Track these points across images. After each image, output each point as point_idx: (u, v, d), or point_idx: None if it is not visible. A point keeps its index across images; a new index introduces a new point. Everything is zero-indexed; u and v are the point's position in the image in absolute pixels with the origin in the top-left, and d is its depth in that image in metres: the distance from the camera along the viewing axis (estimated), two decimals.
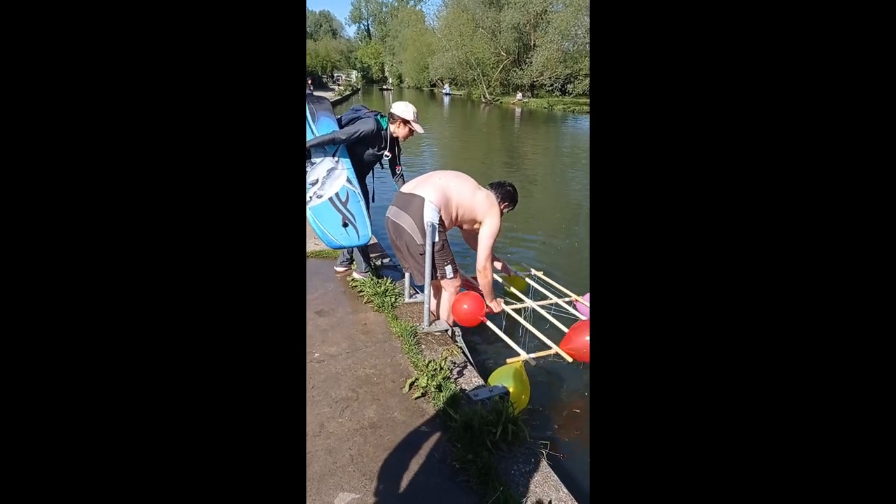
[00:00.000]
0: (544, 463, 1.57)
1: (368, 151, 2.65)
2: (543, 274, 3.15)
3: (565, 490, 1.46)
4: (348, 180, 2.60)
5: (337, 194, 2.54)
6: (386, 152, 2.69)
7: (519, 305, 2.66)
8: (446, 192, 2.26)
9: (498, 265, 2.99)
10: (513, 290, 2.98)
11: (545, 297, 2.82)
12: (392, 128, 2.67)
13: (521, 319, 2.45)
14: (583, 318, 2.53)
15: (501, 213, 2.42)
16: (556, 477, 1.51)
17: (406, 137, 2.71)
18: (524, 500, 1.40)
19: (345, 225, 2.48)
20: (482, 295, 2.42)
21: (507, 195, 2.47)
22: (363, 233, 2.50)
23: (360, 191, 2.61)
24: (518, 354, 2.16)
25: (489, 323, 2.36)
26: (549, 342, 2.22)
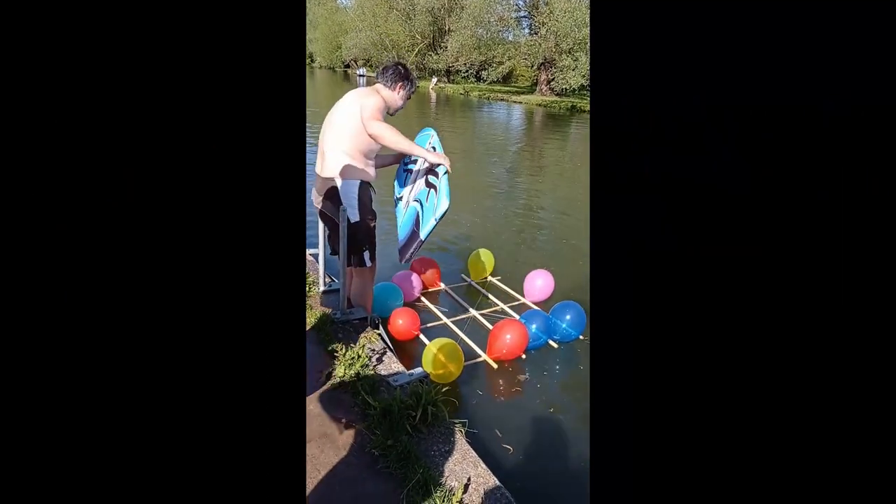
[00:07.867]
0: (463, 441, 1.60)
1: None
2: (499, 280, 3.24)
3: (483, 466, 1.50)
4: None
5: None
6: None
7: (462, 316, 2.76)
8: (335, 154, 2.08)
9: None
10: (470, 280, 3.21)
11: (493, 305, 2.92)
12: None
13: (458, 331, 2.57)
14: (515, 316, 2.66)
15: (401, 104, 2.20)
16: (474, 454, 1.55)
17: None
18: (444, 479, 1.42)
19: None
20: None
21: (397, 75, 2.15)
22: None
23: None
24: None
25: (422, 336, 2.47)
26: (479, 351, 2.41)
